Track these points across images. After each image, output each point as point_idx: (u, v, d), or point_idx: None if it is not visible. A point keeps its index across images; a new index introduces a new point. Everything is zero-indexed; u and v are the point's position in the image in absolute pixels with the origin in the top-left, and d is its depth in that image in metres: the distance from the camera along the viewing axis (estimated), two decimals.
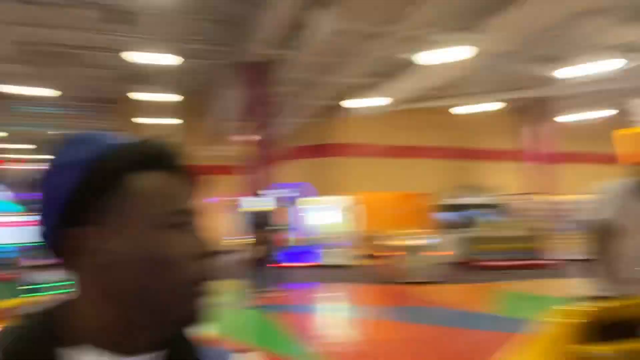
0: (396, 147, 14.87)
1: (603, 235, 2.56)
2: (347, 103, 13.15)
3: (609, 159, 15.51)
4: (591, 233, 2.62)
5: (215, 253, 0.69)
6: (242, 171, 11.31)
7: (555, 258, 13.55)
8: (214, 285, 0.68)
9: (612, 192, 2.65)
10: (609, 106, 14.16)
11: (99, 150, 0.65)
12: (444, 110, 14.59)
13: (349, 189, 14.19)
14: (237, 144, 11.84)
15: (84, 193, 0.63)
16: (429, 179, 15.28)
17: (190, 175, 0.69)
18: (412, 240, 10.09)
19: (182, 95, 13.64)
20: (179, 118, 14.82)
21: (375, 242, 15.06)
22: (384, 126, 14.52)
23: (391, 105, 12.47)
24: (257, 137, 10.81)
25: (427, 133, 15.37)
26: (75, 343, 0.62)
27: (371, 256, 14.40)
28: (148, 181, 0.65)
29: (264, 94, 10.75)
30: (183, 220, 0.65)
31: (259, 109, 10.72)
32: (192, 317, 0.65)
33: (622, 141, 7.98)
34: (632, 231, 2.48)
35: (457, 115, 14.92)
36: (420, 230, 10.58)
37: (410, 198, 16.29)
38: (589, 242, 2.62)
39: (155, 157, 0.66)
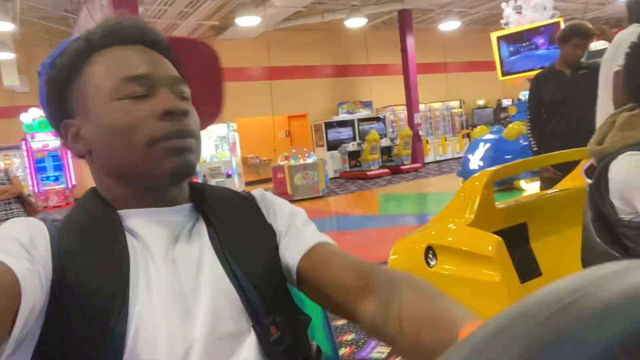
0: (274, 68, 14.44)
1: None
2: (222, 23, 12.39)
3: (478, 66, 16.41)
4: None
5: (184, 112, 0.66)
6: None
7: (428, 161, 14.77)
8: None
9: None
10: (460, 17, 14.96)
11: (67, 44, 0.67)
12: (318, 27, 14.40)
13: (226, 115, 13.72)
14: None
15: (61, 84, 0.66)
16: (310, 98, 15.32)
17: (154, 44, 0.68)
18: (296, 160, 10.17)
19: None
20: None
21: (260, 166, 15.08)
22: (258, 48, 13.96)
23: (264, 25, 11.98)
24: None
25: (304, 52, 15.15)
26: (122, 207, 0.67)
27: (257, 181, 14.41)
28: (101, 57, 0.65)
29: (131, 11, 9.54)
30: (141, 85, 0.64)
31: None
32: (173, 170, 0.65)
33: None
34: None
35: (332, 32, 14.84)
36: (303, 149, 10.69)
37: (293, 119, 16.36)
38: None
39: (113, 33, 0.66)
